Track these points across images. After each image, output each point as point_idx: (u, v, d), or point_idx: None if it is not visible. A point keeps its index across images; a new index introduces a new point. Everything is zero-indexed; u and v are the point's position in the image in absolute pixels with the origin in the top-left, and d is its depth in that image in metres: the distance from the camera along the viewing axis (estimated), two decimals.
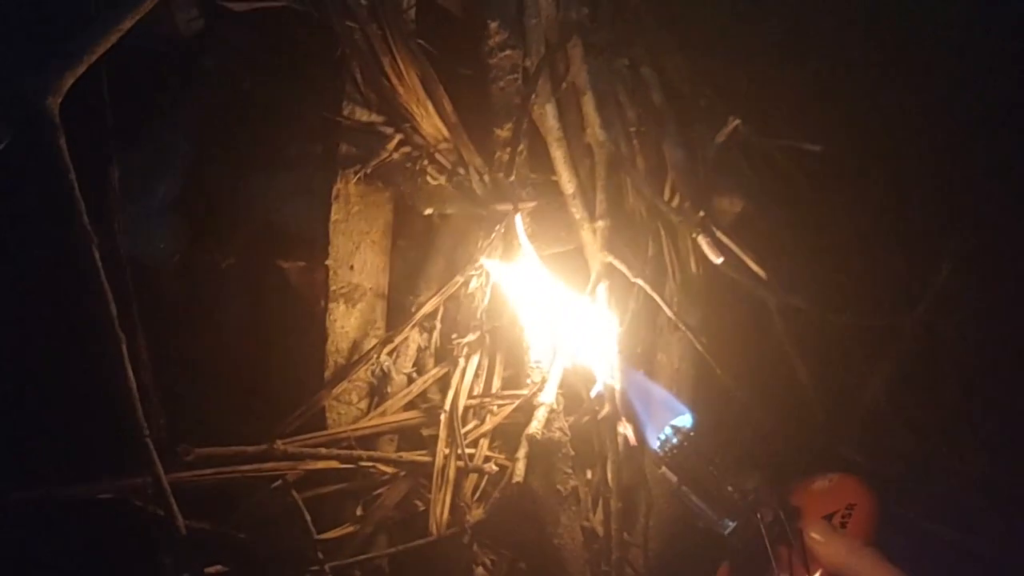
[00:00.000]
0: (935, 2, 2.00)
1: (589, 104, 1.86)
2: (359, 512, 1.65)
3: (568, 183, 1.85)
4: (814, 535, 1.26)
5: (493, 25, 1.78)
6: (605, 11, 1.99)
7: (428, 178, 1.70)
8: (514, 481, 1.63)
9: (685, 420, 1.42)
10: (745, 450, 1.74)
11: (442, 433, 1.66)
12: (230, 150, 1.76)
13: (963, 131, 2.00)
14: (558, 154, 1.85)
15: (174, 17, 1.76)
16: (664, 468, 1.38)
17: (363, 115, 1.71)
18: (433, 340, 1.81)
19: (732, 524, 1.29)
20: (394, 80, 1.64)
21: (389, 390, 1.75)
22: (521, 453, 1.65)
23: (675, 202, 1.90)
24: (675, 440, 1.38)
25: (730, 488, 1.30)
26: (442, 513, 1.62)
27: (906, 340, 1.90)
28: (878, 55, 2.07)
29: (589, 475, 1.78)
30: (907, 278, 1.98)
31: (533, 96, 1.78)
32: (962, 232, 1.96)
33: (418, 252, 1.86)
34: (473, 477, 1.70)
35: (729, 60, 2.07)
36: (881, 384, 1.90)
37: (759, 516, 1.27)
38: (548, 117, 1.86)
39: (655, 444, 1.41)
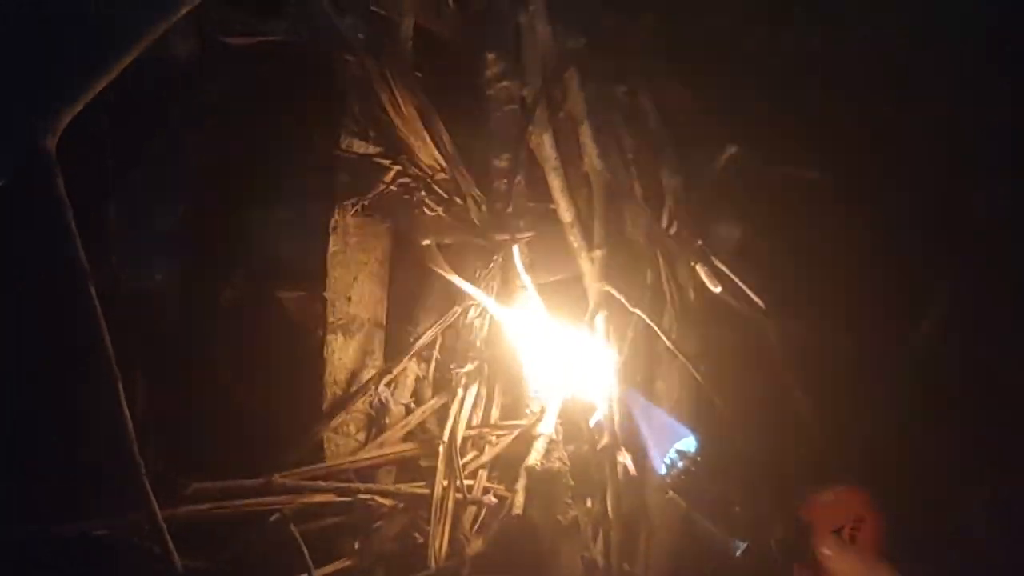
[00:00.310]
0: (937, 25, 2.01)
1: (586, 133, 1.87)
2: (357, 545, 1.63)
3: (566, 212, 1.85)
4: (825, 551, 1.26)
5: (491, 56, 1.79)
6: (604, 39, 1.99)
7: (425, 209, 1.69)
8: (513, 513, 1.61)
9: (689, 443, 1.42)
10: (750, 469, 1.72)
11: (440, 464, 1.65)
12: (229, 180, 1.76)
13: (965, 151, 2.00)
14: (556, 183, 1.86)
15: (175, 47, 1.77)
16: (672, 493, 1.38)
17: (361, 147, 1.72)
18: (431, 370, 1.81)
19: (743, 545, 1.29)
20: (392, 113, 1.64)
21: (387, 421, 1.74)
22: (520, 485, 1.64)
23: (673, 230, 1.90)
24: (681, 464, 1.38)
25: (738, 509, 1.30)
26: (441, 546, 1.61)
27: (910, 364, 1.91)
28: (878, 79, 2.07)
29: (589, 504, 1.75)
30: (909, 301, 1.97)
31: (530, 127, 1.77)
32: (965, 252, 1.95)
33: (416, 282, 1.85)
34: (472, 509, 1.69)
35: (729, 87, 2.06)
36: (884, 410, 1.89)
37: (769, 535, 1.28)
38: (545, 146, 1.86)
39: (662, 469, 1.41)
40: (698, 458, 1.37)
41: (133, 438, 1.27)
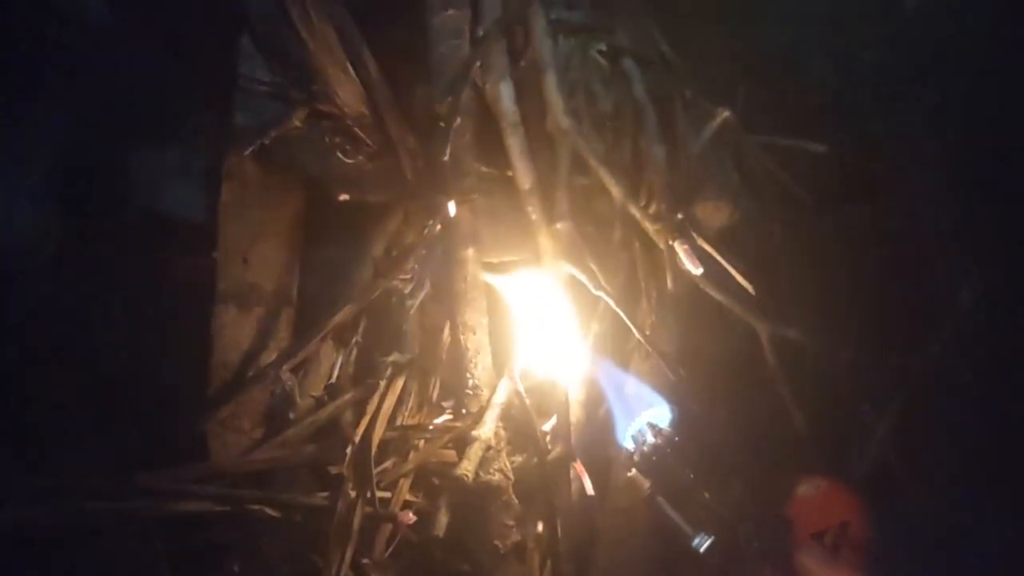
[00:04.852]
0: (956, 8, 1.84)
1: (551, 84, 1.61)
2: (236, 568, 1.36)
3: (524, 177, 1.60)
4: (806, 562, 1.19)
5: None
6: None
7: (341, 155, 1.40)
8: (434, 534, 1.33)
9: (662, 416, 1.27)
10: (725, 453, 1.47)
11: (347, 470, 1.35)
12: (102, 118, 1.47)
13: (986, 145, 1.78)
14: (513, 143, 1.60)
15: None
16: (635, 471, 1.23)
17: (264, 77, 1.43)
18: (352, 357, 1.52)
19: (709, 540, 1.17)
20: (304, 33, 1.34)
21: (292, 416, 1.48)
22: (445, 500, 1.38)
23: (652, 207, 1.64)
24: (651, 439, 1.23)
25: (708, 495, 1.19)
26: (340, 572, 1.30)
27: (917, 384, 1.68)
28: (893, 62, 1.90)
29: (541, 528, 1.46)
30: (921, 313, 1.75)
31: (477, 63, 1.49)
32: (987, 259, 1.73)
33: (344, 252, 1.59)
34: (387, 528, 1.41)
35: (726, 58, 1.90)
36: (888, 434, 1.64)
37: (740, 530, 1.17)
38: (503, 98, 1.60)
39: (627, 442, 1.25)
40: (675, 436, 1.22)
41: None
